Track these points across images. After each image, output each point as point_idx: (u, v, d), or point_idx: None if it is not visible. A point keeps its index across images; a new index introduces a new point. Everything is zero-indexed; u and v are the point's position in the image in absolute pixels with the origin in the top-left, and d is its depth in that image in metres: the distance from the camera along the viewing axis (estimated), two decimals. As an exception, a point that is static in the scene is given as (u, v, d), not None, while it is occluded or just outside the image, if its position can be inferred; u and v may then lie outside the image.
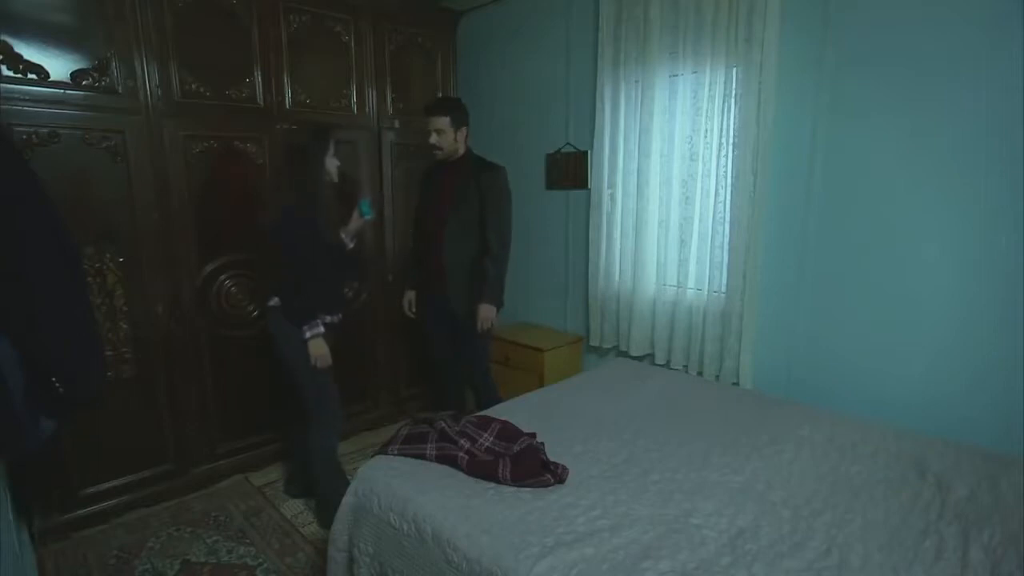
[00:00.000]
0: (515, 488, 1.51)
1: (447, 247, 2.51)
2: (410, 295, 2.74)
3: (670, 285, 2.65)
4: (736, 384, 2.44)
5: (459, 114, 2.44)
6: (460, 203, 2.48)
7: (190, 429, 2.48)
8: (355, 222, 2.26)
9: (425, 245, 2.61)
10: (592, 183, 2.91)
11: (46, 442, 1.30)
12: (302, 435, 2.28)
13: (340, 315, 2.28)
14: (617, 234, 2.83)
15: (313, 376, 2.16)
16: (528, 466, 1.56)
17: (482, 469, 1.58)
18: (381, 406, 3.20)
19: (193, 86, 2.33)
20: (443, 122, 2.40)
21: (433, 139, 2.42)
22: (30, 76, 1.97)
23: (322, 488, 2.25)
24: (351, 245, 2.24)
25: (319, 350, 2.12)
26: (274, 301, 2.16)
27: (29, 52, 1.96)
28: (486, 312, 2.52)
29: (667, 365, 2.68)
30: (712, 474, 1.58)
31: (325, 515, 2.21)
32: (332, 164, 2.16)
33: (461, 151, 2.50)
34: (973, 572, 1.18)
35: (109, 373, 2.21)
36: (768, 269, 2.35)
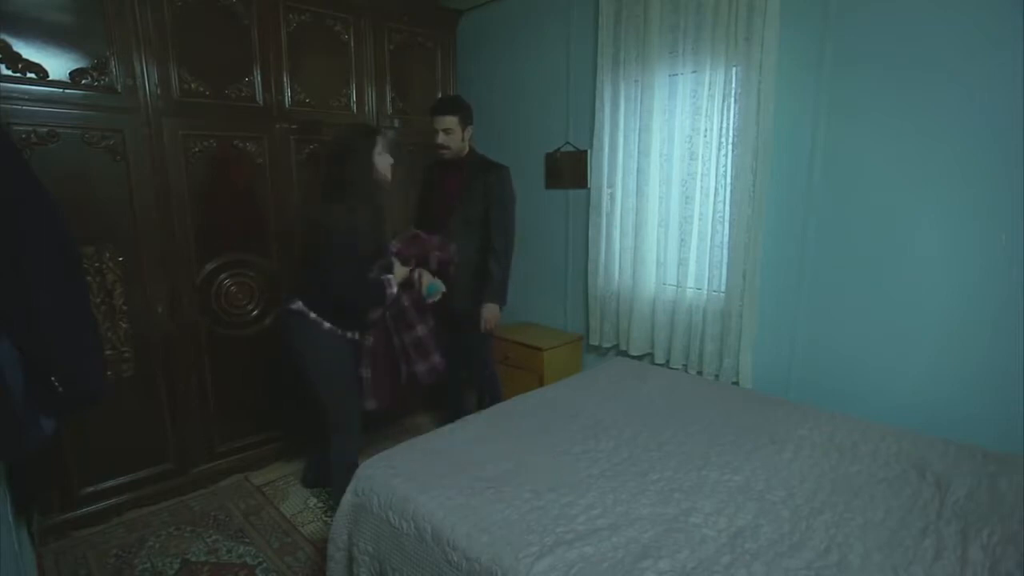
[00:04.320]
0: (515, 487, 1.51)
1: None
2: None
3: (670, 284, 2.65)
4: (736, 383, 2.44)
5: (467, 113, 2.44)
6: (464, 202, 2.48)
7: (190, 428, 2.48)
8: (399, 269, 2.16)
9: None
10: (592, 182, 2.91)
11: (46, 442, 1.30)
12: (319, 428, 2.28)
13: (354, 332, 2.18)
14: (617, 233, 2.83)
15: (332, 383, 2.14)
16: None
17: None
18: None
19: (192, 85, 2.32)
20: (452, 121, 2.39)
21: (441, 139, 2.41)
22: (29, 75, 1.97)
23: (339, 490, 2.23)
24: (391, 301, 2.10)
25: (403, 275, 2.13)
26: (296, 305, 2.08)
27: (28, 51, 1.96)
28: (490, 312, 2.53)
29: (667, 364, 2.69)
30: (712, 473, 1.58)
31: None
32: (383, 161, 2.09)
33: (466, 150, 2.50)
34: (972, 571, 1.18)
35: (109, 372, 2.20)
36: (768, 268, 2.35)
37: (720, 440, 1.77)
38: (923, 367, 2.03)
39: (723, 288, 2.44)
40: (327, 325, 2.08)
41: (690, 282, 2.57)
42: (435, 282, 2.26)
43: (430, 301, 2.25)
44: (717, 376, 2.51)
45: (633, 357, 2.79)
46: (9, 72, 1.93)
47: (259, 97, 2.52)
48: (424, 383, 2.31)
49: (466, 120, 2.43)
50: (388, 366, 2.25)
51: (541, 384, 2.77)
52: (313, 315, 2.07)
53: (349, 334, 2.15)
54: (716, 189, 2.41)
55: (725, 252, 2.43)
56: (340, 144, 2.10)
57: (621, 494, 1.47)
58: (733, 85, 2.30)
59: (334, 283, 2.00)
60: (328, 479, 2.36)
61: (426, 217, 2.64)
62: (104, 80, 2.11)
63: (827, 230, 2.21)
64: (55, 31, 2.00)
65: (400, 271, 2.17)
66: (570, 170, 3.04)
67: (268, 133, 2.55)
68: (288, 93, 2.61)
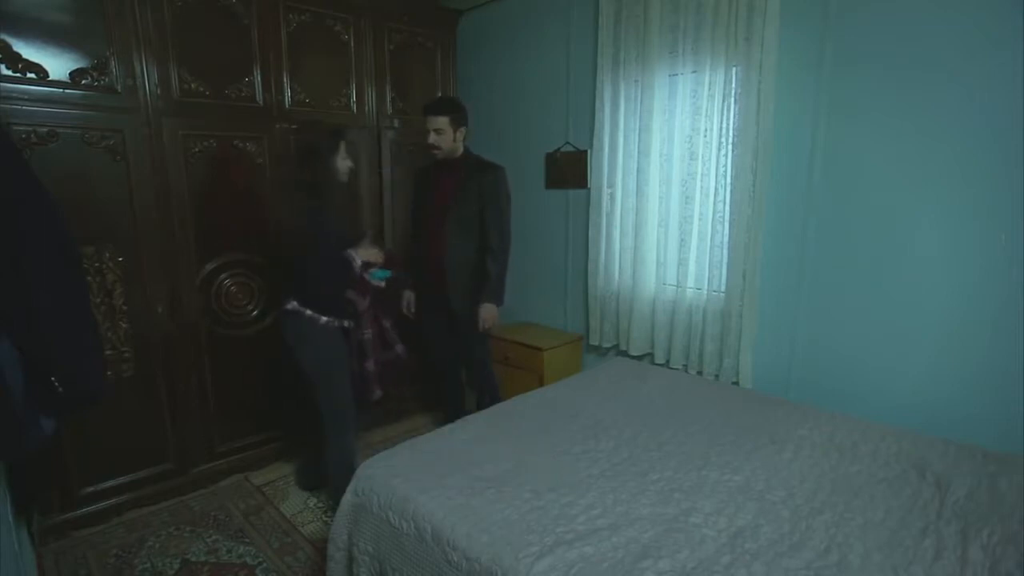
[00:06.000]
0: (515, 487, 1.51)
1: (447, 247, 2.51)
2: (409, 295, 2.74)
3: (670, 284, 2.65)
4: (736, 383, 2.44)
5: (458, 114, 2.44)
6: (460, 203, 2.49)
7: (190, 428, 2.48)
8: (366, 249, 2.22)
9: (424, 245, 2.61)
10: (592, 182, 2.91)
11: (46, 442, 1.30)
12: (316, 430, 2.30)
13: (350, 321, 2.25)
14: (617, 233, 2.83)
15: (331, 375, 2.18)
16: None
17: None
18: (382, 405, 3.19)
19: (192, 85, 2.32)
20: (442, 122, 2.40)
21: (432, 139, 2.42)
22: (29, 75, 1.97)
23: (337, 490, 2.26)
24: (358, 262, 2.16)
25: (372, 255, 2.20)
26: (292, 305, 2.14)
27: (28, 51, 1.96)
28: (488, 312, 2.54)
29: (667, 364, 2.69)
30: (712, 473, 1.58)
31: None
32: (344, 165, 2.15)
33: (460, 151, 2.50)
34: (972, 571, 1.18)
35: (109, 372, 2.20)
36: (768, 268, 2.35)
37: (720, 440, 1.77)
38: (923, 367, 2.03)
39: (723, 288, 2.44)
40: (324, 319, 2.13)
41: (690, 282, 2.57)
42: (385, 269, 2.35)
43: (375, 284, 2.29)
44: (717, 376, 2.51)
45: (633, 357, 2.79)
46: (9, 72, 1.93)
47: (259, 97, 2.52)
48: (403, 364, 2.48)
49: (458, 121, 2.44)
50: (387, 353, 2.41)
51: (541, 384, 2.77)
52: (309, 312, 2.12)
53: (346, 323, 2.21)
54: (716, 189, 2.41)
55: (725, 252, 2.43)
56: (304, 146, 2.15)
57: (621, 494, 1.47)
58: (733, 85, 2.30)
59: (312, 274, 2.10)
60: (326, 480, 2.37)
61: (423, 218, 2.65)
62: (104, 80, 2.11)
63: (827, 230, 2.21)
64: (55, 31, 2.00)
65: (366, 249, 2.21)
66: (570, 170, 3.04)
67: (268, 133, 2.55)
68: (288, 93, 2.61)
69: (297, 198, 2.09)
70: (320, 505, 2.42)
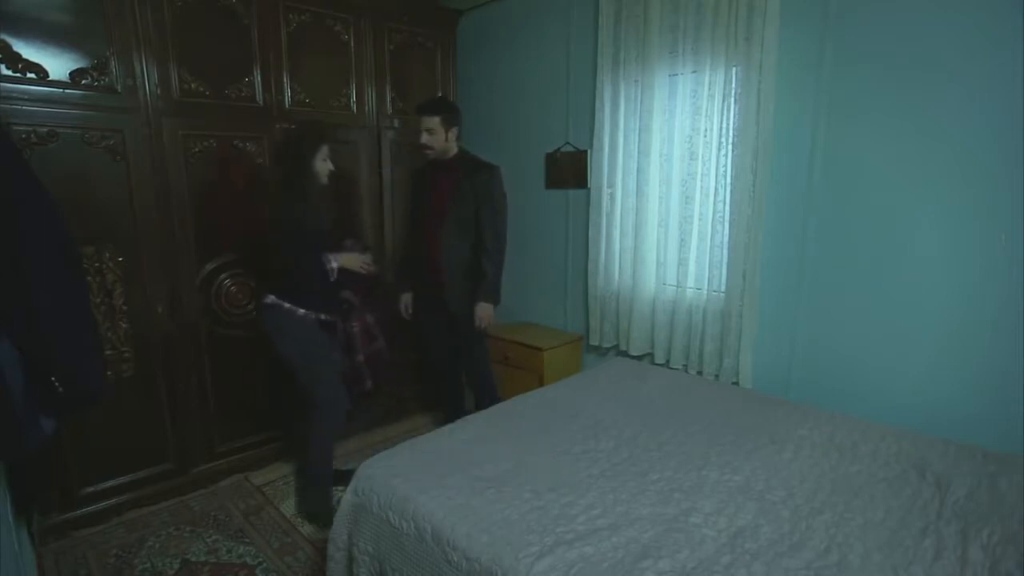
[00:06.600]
0: (515, 487, 1.51)
1: (443, 247, 2.51)
2: (406, 297, 2.75)
3: (670, 284, 2.65)
4: (736, 383, 2.44)
5: (450, 114, 2.44)
6: (456, 203, 2.49)
7: (190, 428, 2.48)
8: (348, 257, 2.24)
9: (421, 245, 2.61)
10: (592, 182, 2.91)
11: (46, 442, 1.30)
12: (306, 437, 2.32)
13: (334, 317, 2.29)
14: (617, 233, 2.83)
15: (311, 367, 2.21)
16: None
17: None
18: (382, 405, 3.20)
19: (192, 85, 2.32)
20: (434, 122, 2.41)
21: (424, 139, 2.43)
22: (29, 75, 1.97)
23: (309, 471, 2.33)
24: (334, 277, 2.19)
25: (350, 261, 2.23)
26: (270, 299, 2.18)
27: (28, 51, 1.96)
28: (484, 311, 2.55)
29: (667, 364, 2.68)
30: (712, 473, 1.58)
31: (306, 498, 2.34)
32: (324, 168, 2.16)
33: (453, 151, 2.50)
34: (972, 571, 1.18)
35: (109, 372, 2.20)
36: (768, 268, 2.35)
37: (720, 440, 1.77)
38: (923, 367, 2.03)
39: (723, 288, 2.44)
40: (301, 312, 2.17)
41: (690, 282, 2.57)
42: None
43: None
44: (717, 376, 2.51)
45: (633, 357, 2.78)
46: (9, 72, 1.93)
47: (259, 97, 2.52)
48: (387, 357, 2.55)
49: (450, 121, 2.44)
50: (371, 346, 2.46)
51: (541, 384, 2.77)
52: (287, 305, 2.16)
53: (323, 316, 2.23)
54: (716, 189, 2.41)
55: (725, 252, 2.43)
56: (286, 145, 2.18)
57: (621, 494, 1.47)
58: (733, 85, 2.30)
59: (288, 268, 2.15)
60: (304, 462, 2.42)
61: (420, 218, 2.65)
62: (104, 80, 2.11)
63: (827, 230, 2.21)
64: (55, 31, 2.00)
65: (347, 257, 2.24)
66: (570, 170, 3.04)
67: (268, 133, 2.55)
68: (288, 93, 2.61)
69: (274, 192, 2.13)
70: (320, 505, 2.42)
